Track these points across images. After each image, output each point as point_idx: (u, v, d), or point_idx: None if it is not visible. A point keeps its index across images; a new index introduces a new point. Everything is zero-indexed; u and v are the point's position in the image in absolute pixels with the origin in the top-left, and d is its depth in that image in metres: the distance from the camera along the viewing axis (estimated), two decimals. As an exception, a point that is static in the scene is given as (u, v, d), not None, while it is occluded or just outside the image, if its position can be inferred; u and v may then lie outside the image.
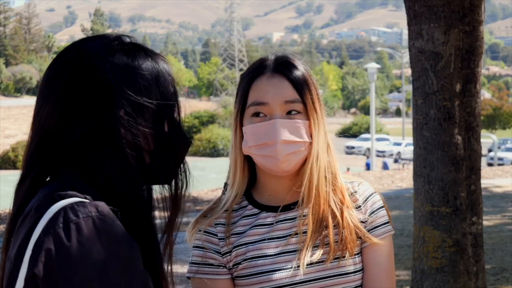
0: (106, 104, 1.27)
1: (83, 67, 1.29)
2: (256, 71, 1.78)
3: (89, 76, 1.28)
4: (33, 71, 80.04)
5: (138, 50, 1.35)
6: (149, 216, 1.31)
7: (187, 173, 1.38)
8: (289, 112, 1.74)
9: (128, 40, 1.36)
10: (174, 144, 1.34)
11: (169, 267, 1.35)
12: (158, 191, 1.38)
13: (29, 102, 69.39)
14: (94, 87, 1.27)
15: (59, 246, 1.16)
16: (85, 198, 1.22)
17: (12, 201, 1.32)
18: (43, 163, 1.29)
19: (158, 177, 1.33)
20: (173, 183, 1.37)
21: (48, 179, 1.31)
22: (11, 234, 1.29)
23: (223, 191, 1.85)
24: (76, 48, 1.33)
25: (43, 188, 1.27)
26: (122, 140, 1.27)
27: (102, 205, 1.21)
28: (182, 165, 1.37)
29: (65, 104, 1.27)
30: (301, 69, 1.78)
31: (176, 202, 1.37)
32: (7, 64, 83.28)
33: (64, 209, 1.19)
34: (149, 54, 1.35)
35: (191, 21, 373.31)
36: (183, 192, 1.37)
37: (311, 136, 1.75)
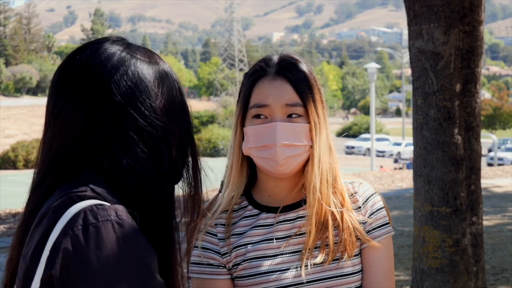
0: (137, 101, 1.27)
1: (106, 69, 1.28)
2: (259, 72, 1.77)
3: (113, 77, 1.27)
4: (33, 71, 79.98)
5: (152, 53, 1.36)
6: (172, 219, 1.30)
7: (203, 173, 1.39)
8: (290, 115, 1.73)
9: (134, 43, 1.37)
10: (192, 139, 1.36)
11: (184, 270, 1.34)
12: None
13: (29, 102, 69.40)
14: (120, 87, 1.27)
15: (77, 248, 1.14)
16: (105, 200, 1.21)
17: (26, 201, 1.31)
18: (63, 165, 1.28)
19: (181, 171, 1.34)
20: (193, 183, 1.37)
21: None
22: (25, 233, 1.27)
23: (219, 189, 1.85)
24: (92, 49, 1.31)
25: (60, 188, 1.26)
26: (158, 134, 1.28)
27: (121, 209, 1.20)
28: (200, 165, 1.38)
29: (92, 107, 1.26)
30: (304, 71, 1.77)
31: (198, 203, 1.37)
32: (7, 64, 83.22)
33: (83, 211, 1.18)
34: (160, 57, 1.37)
35: (191, 21, 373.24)
36: (202, 192, 1.38)
37: (311, 139, 1.74)
